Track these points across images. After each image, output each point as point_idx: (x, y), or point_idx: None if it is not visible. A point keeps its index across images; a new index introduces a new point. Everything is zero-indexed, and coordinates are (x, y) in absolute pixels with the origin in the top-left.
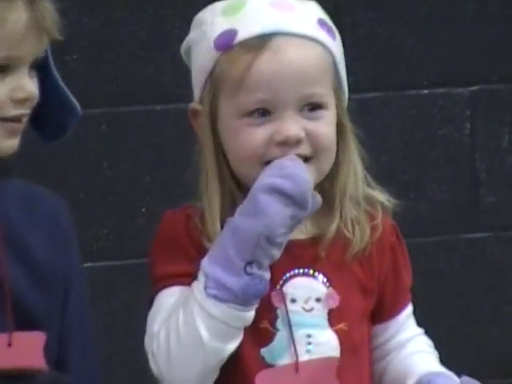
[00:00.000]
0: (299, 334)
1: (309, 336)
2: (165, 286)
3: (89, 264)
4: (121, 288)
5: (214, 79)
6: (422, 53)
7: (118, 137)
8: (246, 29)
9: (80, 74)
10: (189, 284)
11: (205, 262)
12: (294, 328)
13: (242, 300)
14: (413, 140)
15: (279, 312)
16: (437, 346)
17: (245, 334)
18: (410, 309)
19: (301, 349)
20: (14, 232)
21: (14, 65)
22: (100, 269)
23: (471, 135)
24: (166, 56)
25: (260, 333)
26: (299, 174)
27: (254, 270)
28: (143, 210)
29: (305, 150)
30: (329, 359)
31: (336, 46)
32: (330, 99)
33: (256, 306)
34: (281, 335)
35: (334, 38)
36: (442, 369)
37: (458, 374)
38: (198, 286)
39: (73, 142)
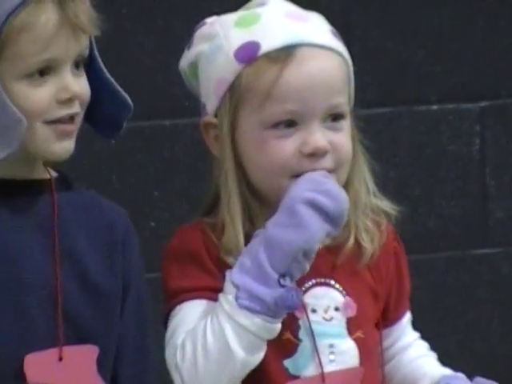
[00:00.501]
0: (322, 343)
1: (331, 346)
2: (184, 300)
3: None
4: None
5: (237, 91)
6: (431, 68)
7: (126, 151)
8: (269, 40)
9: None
10: (209, 297)
11: (235, 273)
12: (316, 338)
13: (273, 312)
14: (422, 155)
15: (301, 323)
16: (446, 362)
17: (269, 346)
18: (409, 313)
19: (324, 359)
20: (70, 245)
21: (55, 66)
22: None
23: (481, 150)
24: (175, 68)
25: (283, 344)
26: (339, 193)
27: (287, 282)
28: (152, 224)
29: (329, 162)
30: (354, 370)
31: (348, 56)
32: (347, 109)
33: (283, 318)
34: (304, 346)
35: (345, 47)
36: (448, 371)
37: None
38: (226, 297)
39: (82, 155)
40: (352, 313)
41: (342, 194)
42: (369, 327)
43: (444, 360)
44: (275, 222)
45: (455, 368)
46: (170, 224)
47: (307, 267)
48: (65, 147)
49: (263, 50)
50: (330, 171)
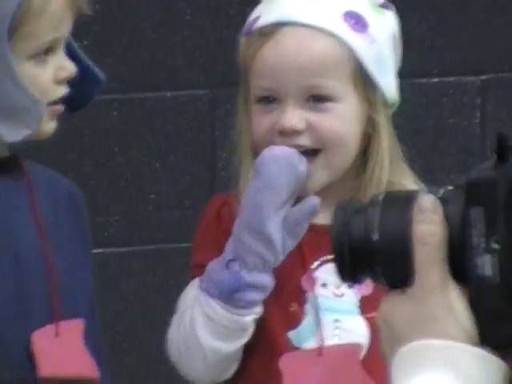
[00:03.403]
0: (327, 318)
1: (336, 321)
2: (194, 276)
3: (100, 250)
4: (130, 274)
5: (242, 64)
6: (432, 41)
7: (128, 123)
8: (266, 16)
9: (91, 59)
10: None
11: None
12: (322, 312)
13: (225, 297)
14: (423, 129)
15: (309, 296)
16: None
17: (275, 316)
18: None
19: (328, 334)
20: (46, 217)
21: (54, 46)
22: (110, 255)
23: (481, 124)
24: (178, 41)
25: (289, 315)
26: (265, 164)
27: (235, 267)
28: (152, 196)
29: (305, 141)
30: (354, 346)
31: (362, 39)
32: (343, 92)
33: (253, 311)
34: (309, 319)
35: (362, 31)
36: None
37: None
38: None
39: (83, 128)
40: (367, 291)
41: (278, 162)
42: None
43: None
44: None
45: None
46: (171, 197)
47: (260, 249)
48: (53, 126)
49: (258, 24)
50: (316, 151)
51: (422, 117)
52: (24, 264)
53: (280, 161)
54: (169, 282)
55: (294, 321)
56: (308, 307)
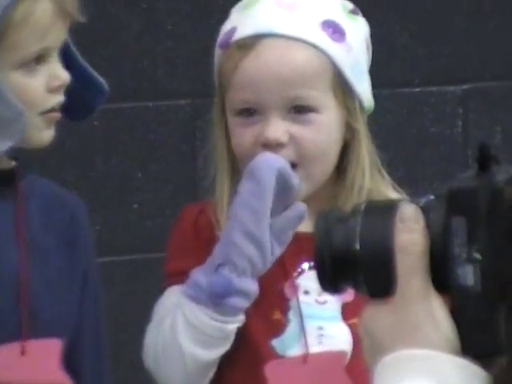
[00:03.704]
0: (310, 325)
1: (320, 328)
2: (171, 284)
3: None
4: (112, 284)
5: (218, 77)
6: (414, 50)
7: (110, 133)
8: (243, 28)
9: None
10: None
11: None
12: (305, 320)
13: (212, 303)
14: (405, 138)
15: (292, 303)
16: None
17: (258, 324)
18: None
19: (312, 341)
20: (33, 235)
21: (46, 54)
22: None
23: (463, 133)
24: (160, 51)
25: (272, 323)
26: (259, 167)
27: (225, 271)
28: (135, 206)
29: (288, 154)
30: (339, 353)
31: (341, 48)
32: (325, 102)
33: (237, 319)
34: (292, 326)
35: (340, 40)
36: None
37: None
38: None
39: (65, 137)
40: (348, 298)
41: (265, 166)
42: None
43: None
44: None
45: None
46: (153, 206)
47: (252, 253)
48: (51, 134)
49: (235, 37)
50: (295, 164)
51: (404, 126)
52: None
53: (274, 167)
54: (151, 291)
55: (277, 329)
56: (291, 314)
